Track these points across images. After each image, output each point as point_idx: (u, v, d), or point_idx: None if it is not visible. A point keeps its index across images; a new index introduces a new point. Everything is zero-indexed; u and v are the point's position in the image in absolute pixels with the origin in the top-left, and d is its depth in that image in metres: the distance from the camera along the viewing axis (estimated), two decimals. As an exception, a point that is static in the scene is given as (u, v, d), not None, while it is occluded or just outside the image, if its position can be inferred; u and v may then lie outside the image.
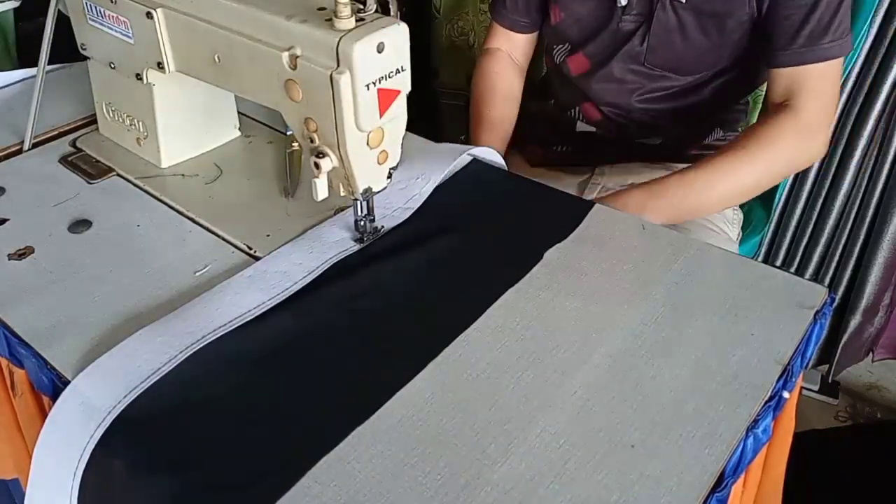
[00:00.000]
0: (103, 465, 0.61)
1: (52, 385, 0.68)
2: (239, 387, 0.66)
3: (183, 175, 0.95)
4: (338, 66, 0.67)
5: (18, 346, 0.71)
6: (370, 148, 0.73)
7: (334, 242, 0.81)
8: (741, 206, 1.21)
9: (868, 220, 1.53)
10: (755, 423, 0.62)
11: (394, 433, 0.62)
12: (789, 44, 0.97)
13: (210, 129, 0.99)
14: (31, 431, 0.77)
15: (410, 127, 0.78)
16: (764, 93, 1.11)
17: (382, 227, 0.83)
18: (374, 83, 0.68)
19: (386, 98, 0.70)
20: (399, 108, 0.72)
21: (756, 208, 1.29)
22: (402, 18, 0.70)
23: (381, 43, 0.67)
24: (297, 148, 0.96)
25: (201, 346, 0.68)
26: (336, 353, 0.69)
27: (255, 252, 0.81)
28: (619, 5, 1.06)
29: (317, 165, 0.73)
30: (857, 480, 1.50)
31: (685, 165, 1.03)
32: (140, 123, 0.95)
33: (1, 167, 0.97)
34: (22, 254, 0.82)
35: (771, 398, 0.65)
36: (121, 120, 0.98)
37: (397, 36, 0.69)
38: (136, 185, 0.93)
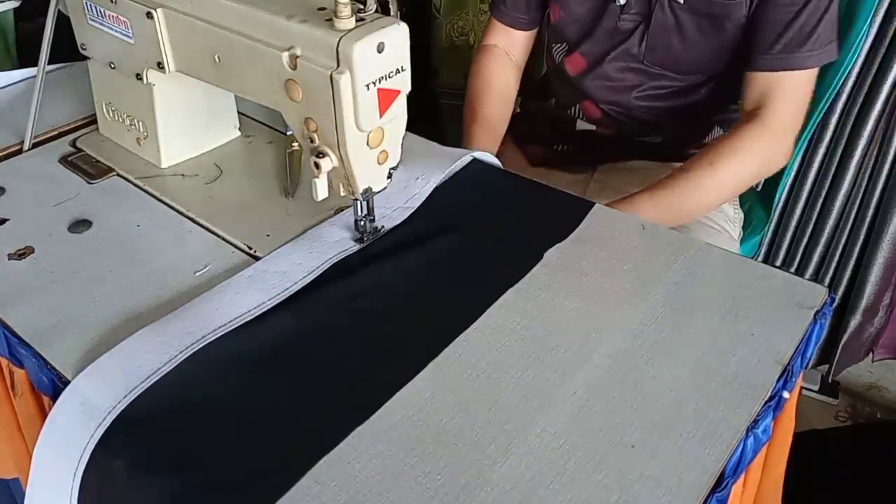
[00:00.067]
0: (103, 465, 0.61)
1: (52, 385, 0.68)
2: (239, 387, 0.66)
3: (183, 175, 0.95)
4: (338, 66, 0.67)
5: (18, 346, 0.71)
6: (370, 148, 0.73)
7: (334, 242, 0.81)
8: (741, 206, 1.21)
9: (868, 220, 1.53)
10: (755, 423, 0.62)
11: (394, 433, 0.62)
12: (769, 49, 0.98)
13: (210, 129, 0.99)
14: (31, 431, 0.77)
15: (410, 127, 0.78)
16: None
17: (382, 227, 0.83)
18: (374, 83, 0.68)
19: (386, 98, 0.70)
20: (399, 108, 0.72)
21: (756, 208, 1.29)
22: (402, 18, 0.70)
23: (381, 43, 0.67)
24: (297, 148, 0.96)
25: (201, 346, 0.68)
26: (336, 353, 0.69)
27: (255, 252, 0.81)
28: (617, 4, 1.06)
29: (317, 165, 0.73)
30: (857, 480, 1.50)
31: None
32: (140, 123, 0.95)
33: (1, 167, 0.97)
34: (22, 254, 0.82)
35: (771, 398, 0.65)
36: (121, 120, 0.98)
37: (397, 36, 0.69)
38: (136, 185, 0.93)
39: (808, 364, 0.73)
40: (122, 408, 0.63)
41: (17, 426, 0.80)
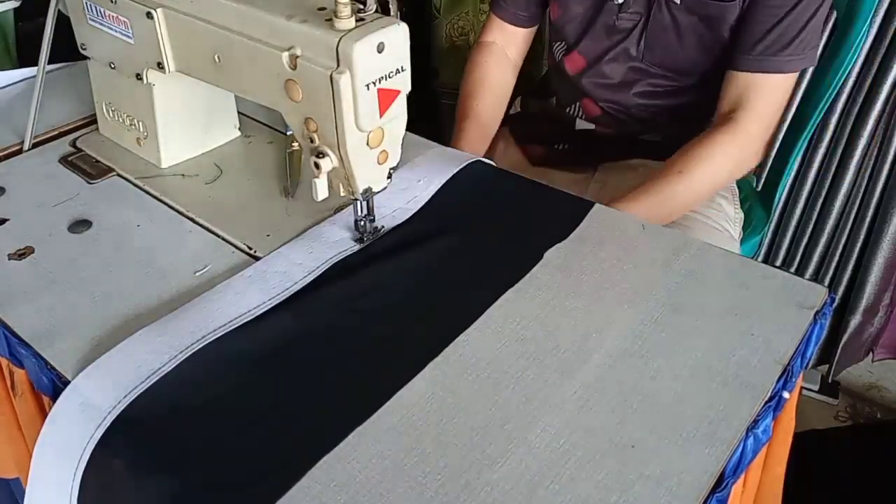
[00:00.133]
0: (103, 465, 0.61)
1: (52, 385, 0.68)
2: (239, 387, 0.66)
3: (183, 175, 0.95)
4: (338, 66, 0.67)
5: (18, 346, 0.71)
6: (370, 148, 0.73)
7: (334, 242, 0.81)
8: (741, 206, 1.21)
9: (868, 220, 1.53)
10: (755, 423, 0.62)
11: (394, 433, 0.62)
12: (750, 49, 0.98)
13: (210, 129, 0.99)
14: (31, 431, 0.76)
15: (410, 127, 0.78)
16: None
17: (382, 227, 0.83)
18: (374, 83, 0.68)
19: (386, 98, 0.70)
20: (399, 108, 0.72)
21: (756, 208, 1.29)
22: (402, 18, 0.70)
23: (381, 43, 0.67)
24: (297, 148, 0.96)
25: (201, 346, 0.68)
26: (336, 353, 0.69)
27: (255, 252, 0.81)
28: (615, 2, 1.06)
29: (317, 165, 0.73)
30: (857, 480, 1.50)
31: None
32: (140, 123, 0.95)
33: (1, 167, 0.97)
34: (22, 254, 0.82)
35: (771, 398, 0.65)
36: (121, 120, 0.98)
37: (397, 36, 0.69)
38: (136, 185, 0.93)
39: (808, 364, 0.73)
40: (122, 408, 0.63)
41: (17, 426, 0.80)
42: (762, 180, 1.41)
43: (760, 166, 1.38)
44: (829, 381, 1.70)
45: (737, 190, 1.20)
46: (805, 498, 1.15)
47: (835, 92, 1.19)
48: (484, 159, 0.96)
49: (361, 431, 0.62)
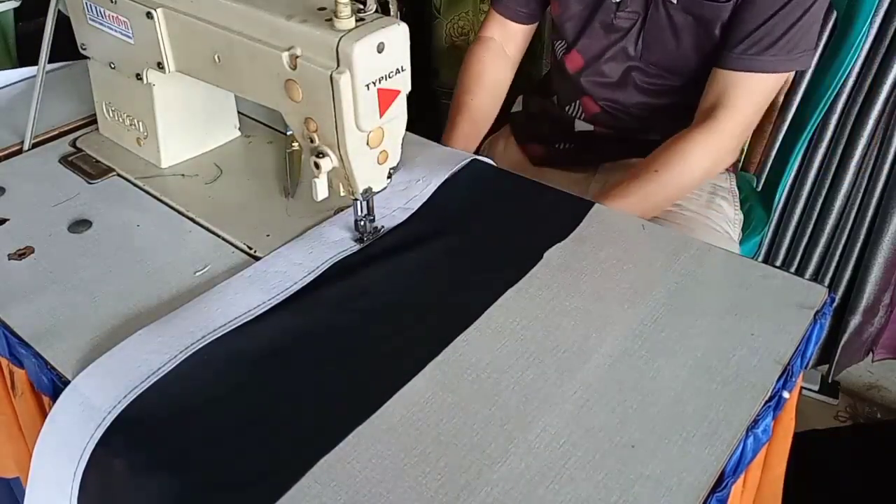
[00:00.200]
0: (103, 465, 0.61)
1: (52, 385, 0.68)
2: (239, 387, 0.66)
3: (183, 175, 0.95)
4: (338, 66, 0.67)
5: (18, 346, 0.71)
6: (370, 148, 0.73)
7: (334, 242, 0.81)
8: (742, 206, 1.21)
9: (868, 220, 1.53)
10: (755, 423, 0.62)
11: (394, 433, 0.62)
12: (734, 47, 0.99)
13: (210, 129, 0.99)
14: (31, 431, 0.76)
15: (410, 127, 0.78)
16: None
17: (382, 227, 0.83)
18: (374, 83, 0.68)
19: (386, 98, 0.70)
20: (399, 108, 0.72)
21: (756, 208, 1.29)
22: (402, 18, 0.70)
23: (381, 43, 0.67)
24: (297, 148, 0.96)
25: (201, 346, 0.68)
26: (336, 353, 0.69)
27: (255, 252, 0.81)
28: (613, 1, 1.06)
29: (317, 165, 0.73)
30: (857, 480, 1.50)
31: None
32: (140, 123, 0.95)
33: (1, 167, 0.97)
34: (22, 254, 0.82)
35: (771, 398, 0.65)
36: (121, 120, 0.98)
37: (397, 36, 0.69)
38: (136, 185, 0.93)
39: (808, 364, 0.73)
40: (122, 408, 0.63)
41: (17, 426, 0.80)
42: (762, 180, 1.41)
43: (760, 166, 1.38)
44: (829, 381, 1.70)
45: (737, 191, 1.20)
46: (805, 498, 1.15)
47: (835, 92, 1.19)
48: (483, 158, 0.96)
49: (361, 431, 0.62)
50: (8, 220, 0.87)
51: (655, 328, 0.72)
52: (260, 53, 0.74)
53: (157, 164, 0.96)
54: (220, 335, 0.70)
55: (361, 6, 0.69)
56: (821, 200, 1.58)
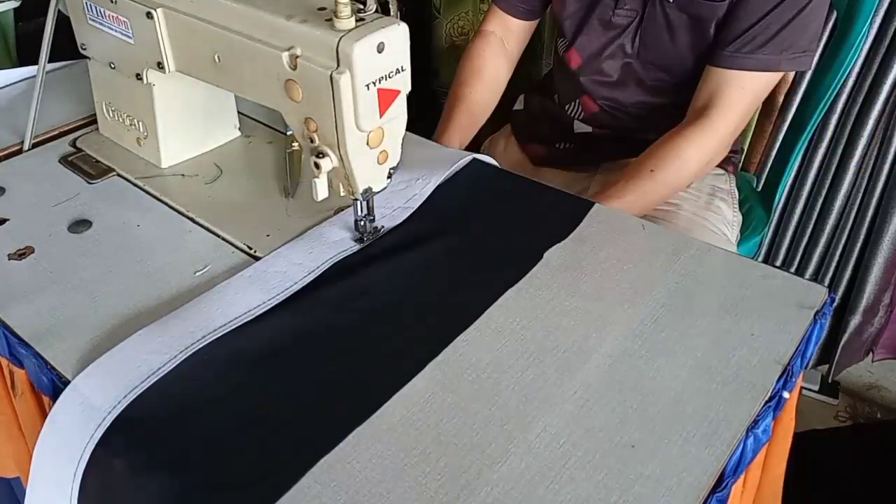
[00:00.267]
0: (103, 465, 0.61)
1: (52, 385, 0.68)
2: (239, 387, 0.66)
3: (183, 175, 0.95)
4: (338, 66, 0.67)
5: (18, 346, 0.71)
6: (370, 148, 0.73)
7: (334, 242, 0.81)
8: (741, 207, 1.21)
9: (868, 220, 1.53)
10: (755, 423, 0.62)
11: (394, 433, 0.62)
12: (727, 45, 0.99)
13: (210, 129, 0.99)
14: (31, 431, 0.77)
15: (410, 127, 0.78)
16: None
17: (382, 227, 0.83)
18: (374, 83, 0.68)
19: (386, 98, 0.70)
20: (399, 108, 0.72)
21: (756, 208, 1.29)
22: (402, 18, 0.70)
23: (381, 43, 0.67)
24: (297, 148, 0.96)
25: (201, 346, 0.68)
26: (336, 353, 0.69)
27: (255, 252, 0.81)
28: None
29: (317, 165, 0.73)
30: (857, 480, 1.50)
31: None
32: (140, 123, 0.95)
33: (1, 167, 0.97)
34: (22, 254, 0.82)
35: (771, 398, 0.65)
36: (121, 120, 0.98)
37: (397, 36, 0.69)
38: (136, 185, 0.93)
39: (808, 364, 0.73)
40: (122, 408, 0.63)
41: (17, 426, 0.80)
42: (762, 180, 1.41)
43: (760, 166, 1.38)
44: (829, 381, 1.70)
45: (736, 192, 1.20)
46: (805, 498, 1.15)
47: (835, 92, 1.19)
48: (483, 157, 0.96)
49: (361, 431, 0.62)
50: (8, 220, 0.87)
51: (655, 328, 0.72)
52: (260, 53, 0.74)
53: (157, 164, 0.96)
54: (220, 335, 0.70)
55: (361, 6, 0.69)
56: (821, 200, 1.58)
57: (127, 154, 0.98)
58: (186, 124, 0.96)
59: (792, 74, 1.27)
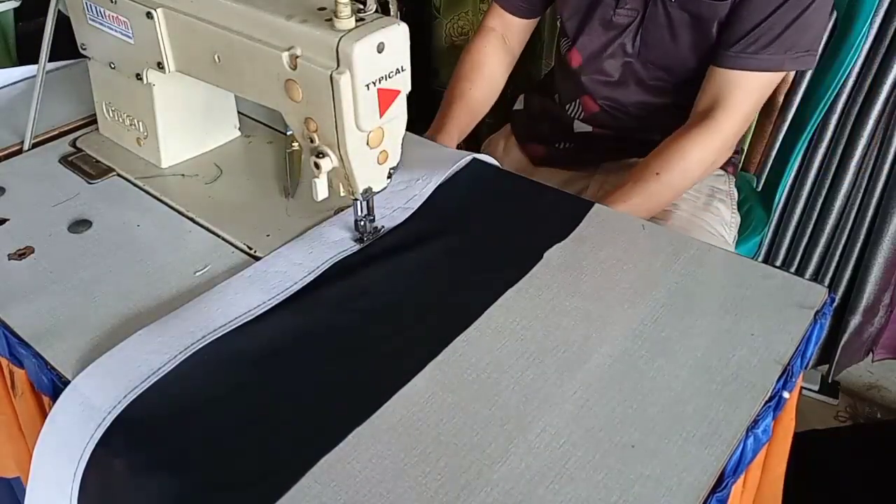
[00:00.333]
0: (103, 465, 0.61)
1: (52, 385, 0.68)
2: (239, 387, 0.66)
3: (183, 175, 0.95)
4: (338, 66, 0.67)
5: (18, 346, 0.71)
6: (370, 148, 0.73)
7: (334, 242, 0.81)
8: (741, 208, 1.21)
9: (868, 220, 1.53)
10: (755, 423, 0.62)
11: (394, 433, 0.62)
12: (731, 46, 0.99)
13: (210, 129, 0.99)
14: (31, 431, 0.76)
15: (410, 127, 0.78)
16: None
17: (382, 227, 0.83)
18: (374, 83, 0.68)
19: (386, 98, 0.70)
20: (399, 108, 0.72)
21: (756, 208, 1.29)
22: (402, 18, 0.70)
23: (381, 43, 0.67)
24: (297, 148, 0.96)
25: (201, 346, 0.68)
26: (336, 353, 0.69)
27: (255, 252, 0.81)
28: None
29: (317, 165, 0.73)
30: (857, 480, 1.50)
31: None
32: (140, 123, 0.95)
33: (1, 167, 0.97)
34: (22, 254, 0.82)
35: (771, 398, 0.65)
36: (121, 120, 0.98)
37: (397, 36, 0.69)
38: (136, 185, 0.93)
39: (808, 364, 0.73)
40: (122, 408, 0.63)
41: (17, 426, 0.80)
42: (762, 180, 1.41)
43: (760, 166, 1.38)
44: (829, 381, 1.70)
45: (735, 193, 1.20)
46: (805, 498, 1.15)
47: (835, 92, 1.19)
48: (484, 157, 0.96)
49: (361, 431, 0.62)
50: (8, 220, 0.87)
51: (655, 328, 0.72)
52: (260, 53, 0.74)
53: (157, 164, 0.96)
54: (220, 335, 0.70)
55: (361, 6, 0.69)
56: (821, 200, 1.58)
57: (127, 154, 0.98)
58: (186, 124, 0.96)
59: (792, 74, 1.27)
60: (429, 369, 0.67)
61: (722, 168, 1.18)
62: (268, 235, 0.83)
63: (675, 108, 1.10)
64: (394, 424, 0.63)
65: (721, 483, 0.58)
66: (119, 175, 0.95)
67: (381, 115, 0.70)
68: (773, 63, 0.99)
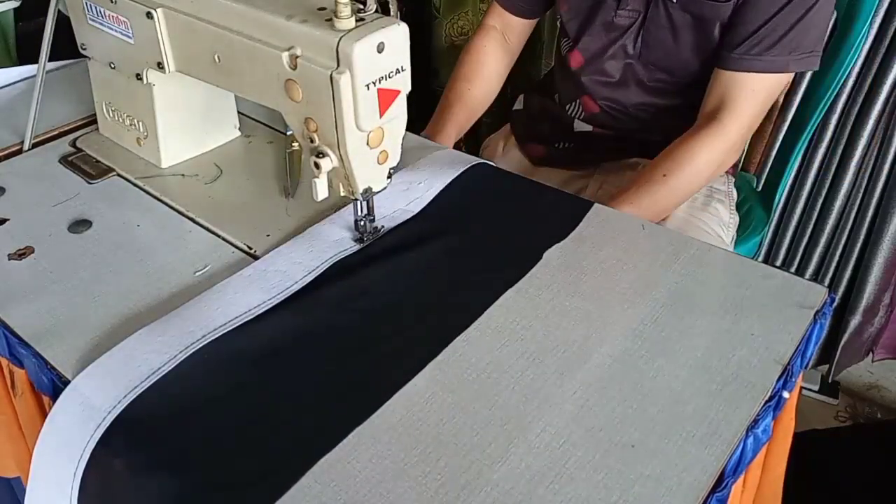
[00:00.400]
0: (103, 465, 0.61)
1: (52, 385, 0.68)
2: (239, 387, 0.66)
3: (183, 175, 0.95)
4: (338, 66, 0.67)
5: (18, 346, 0.71)
6: (370, 148, 0.73)
7: (334, 242, 0.81)
8: (740, 208, 1.21)
9: (868, 220, 1.53)
10: (755, 423, 0.62)
11: (394, 433, 0.62)
12: (735, 48, 0.99)
13: (210, 129, 0.99)
14: (31, 431, 0.76)
15: (410, 127, 0.78)
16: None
17: (382, 226, 0.83)
18: (374, 83, 0.68)
19: (386, 98, 0.70)
20: (399, 108, 0.72)
21: (756, 208, 1.29)
22: (402, 18, 0.70)
23: (381, 43, 0.67)
24: (297, 148, 0.96)
25: (201, 345, 0.68)
26: (336, 353, 0.69)
27: (255, 252, 0.81)
28: None
29: (317, 165, 0.73)
30: (857, 480, 1.50)
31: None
32: (140, 123, 0.95)
33: (1, 167, 0.97)
34: (22, 254, 0.82)
35: (771, 398, 0.65)
36: (121, 120, 0.98)
37: (397, 36, 0.69)
38: (136, 185, 0.93)
39: (808, 364, 0.73)
40: (122, 408, 0.63)
41: (17, 426, 0.80)
42: (762, 180, 1.41)
43: (760, 166, 1.38)
44: (829, 381, 1.70)
45: (734, 193, 1.20)
46: (805, 498, 1.15)
47: (835, 92, 1.19)
48: (486, 162, 0.96)
49: (361, 431, 0.62)
50: (8, 220, 0.87)
51: (655, 328, 0.72)
52: (260, 53, 0.74)
53: (157, 164, 0.96)
54: (220, 335, 0.70)
55: (361, 6, 0.69)
56: (821, 200, 1.58)
57: (127, 154, 0.98)
58: (186, 124, 0.96)
59: (792, 74, 1.27)
60: (429, 369, 0.67)
61: (722, 168, 1.18)
62: (268, 235, 0.83)
63: (676, 108, 1.11)
64: (394, 424, 0.62)
65: (721, 483, 0.58)
66: (119, 175, 0.95)
67: (381, 115, 0.70)
68: (777, 64, 0.99)
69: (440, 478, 0.58)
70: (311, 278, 0.77)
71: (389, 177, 0.78)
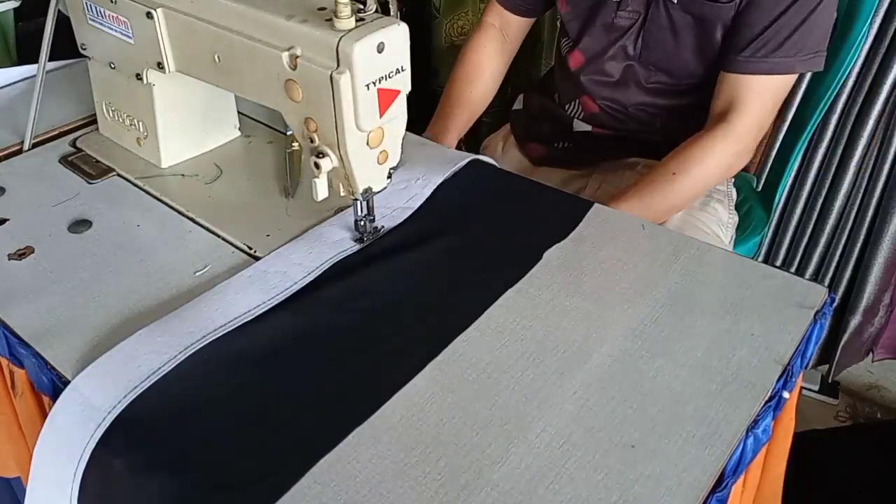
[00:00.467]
0: (103, 465, 0.61)
1: (52, 385, 0.68)
2: (239, 387, 0.66)
3: (183, 175, 0.95)
4: (338, 66, 0.67)
5: (18, 346, 0.71)
6: (370, 148, 0.73)
7: (334, 242, 0.81)
8: (740, 208, 1.21)
9: (868, 220, 1.53)
10: (755, 423, 0.62)
11: (394, 433, 0.62)
12: (741, 50, 0.99)
13: (210, 129, 0.99)
14: (31, 431, 0.77)
15: (410, 127, 0.78)
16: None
17: (382, 227, 0.83)
18: (374, 83, 0.68)
19: (386, 98, 0.70)
20: (399, 108, 0.72)
21: (756, 208, 1.29)
22: (402, 18, 0.70)
23: (381, 43, 0.67)
24: (297, 148, 0.96)
25: (201, 346, 0.68)
26: (336, 353, 0.69)
27: (255, 252, 0.81)
28: (614, 0, 1.06)
29: (317, 165, 0.73)
30: (857, 480, 1.50)
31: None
32: (140, 123, 0.95)
33: (1, 167, 0.97)
34: (22, 254, 0.82)
35: (771, 398, 0.65)
36: (121, 120, 0.98)
37: (397, 36, 0.69)
38: (136, 185, 0.93)
39: (808, 364, 0.73)
40: (122, 408, 0.63)
41: (17, 426, 0.80)
42: (762, 180, 1.41)
43: (760, 166, 1.38)
44: (829, 381, 1.70)
45: (733, 193, 1.20)
46: (805, 498, 1.15)
47: (835, 92, 1.19)
48: (484, 158, 0.96)
49: (361, 431, 0.62)
50: (8, 220, 0.87)
51: (655, 328, 0.72)
52: (260, 53, 0.74)
53: (157, 164, 0.96)
54: (220, 335, 0.70)
55: (361, 6, 0.69)
56: (821, 200, 1.58)
57: (127, 154, 0.98)
58: (186, 124, 0.96)
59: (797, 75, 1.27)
60: (429, 369, 0.67)
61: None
62: (268, 235, 0.83)
63: (676, 108, 1.11)
64: (394, 424, 0.63)
65: (721, 483, 0.58)
66: (119, 175, 0.95)
67: (381, 115, 0.70)
68: (783, 66, 0.99)
69: (440, 478, 0.58)
70: (311, 278, 0.77)
71: (389, 177, 0.78)
